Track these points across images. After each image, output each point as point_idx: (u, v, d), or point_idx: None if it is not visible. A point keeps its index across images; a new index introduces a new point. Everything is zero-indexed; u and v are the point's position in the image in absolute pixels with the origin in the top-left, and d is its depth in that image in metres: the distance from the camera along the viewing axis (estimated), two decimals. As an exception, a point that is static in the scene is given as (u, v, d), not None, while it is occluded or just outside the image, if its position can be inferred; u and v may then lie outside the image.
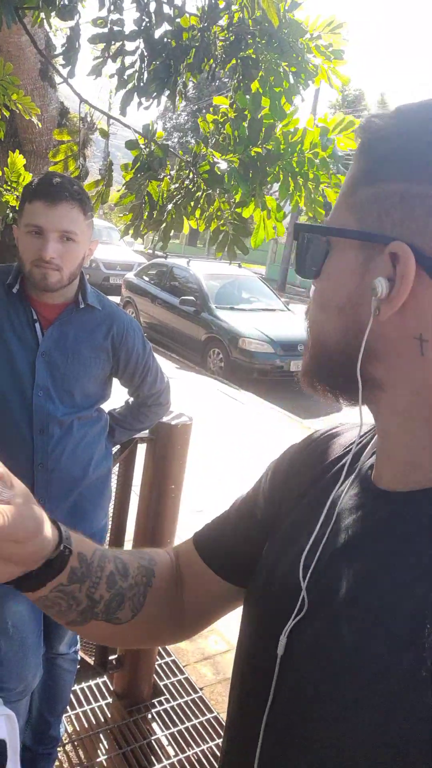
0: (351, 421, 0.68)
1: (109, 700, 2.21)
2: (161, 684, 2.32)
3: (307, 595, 0.50)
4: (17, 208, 2.84)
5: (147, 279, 9.60)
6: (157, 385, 1.65)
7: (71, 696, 2.16)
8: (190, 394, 6.47)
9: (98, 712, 2.15)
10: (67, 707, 2.12)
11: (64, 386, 1.45)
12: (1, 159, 3.71)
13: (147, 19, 2.16)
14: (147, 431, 1.98)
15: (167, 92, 2.31)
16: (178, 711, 2.21)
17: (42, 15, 2.23)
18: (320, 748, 0.44)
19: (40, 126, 3.26)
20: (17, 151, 2.89)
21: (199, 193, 2.36)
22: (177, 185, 2.42)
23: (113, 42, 2.18)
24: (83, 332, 1.48)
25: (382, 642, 0.42)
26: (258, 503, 0.70)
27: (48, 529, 0.58)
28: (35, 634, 1.53)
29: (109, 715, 2.15)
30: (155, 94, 2.16)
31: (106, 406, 1.67)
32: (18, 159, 2.82)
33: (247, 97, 2.37)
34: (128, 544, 2.11)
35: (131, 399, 1.71)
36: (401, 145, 0.46)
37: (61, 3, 2.01)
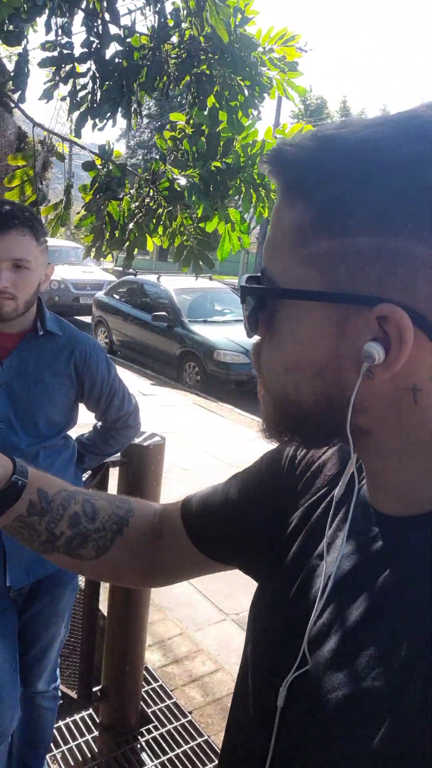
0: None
1: (96, 733, 2.15)
2: (149, 711, 2.26)
3: (308, 645, 0.49)
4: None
5: (117, 297, 9.55)
6: (124, 407, 1.61)
7: (56, 733, 2.10)
8: (168, 409, 6.43)
9: (84, 747, 2.09)
10: (52, 745, 2.05)
11: (27, 416, 1.41)
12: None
13: (96, 41, 2.15)
14: (118, 454, 1.94)
15: (122, 111, 2.30)
16: (168, 738, 2.15)
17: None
18: None
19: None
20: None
21: (161, 210, 2.35)
22: (137, 203, 2.41)
23: (63, 65, 2.17)
24: (44, 359, 1.44)
25: (390, 674, 0.41)
26: (258, 494, 0.69)
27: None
28: (10, 673, 1.48)
29: (96, 750, 2.08)
30: (108, 114, 2.15)
31: (74, 432, 1.63)
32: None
33: (204, 112, 2.37)
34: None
35: (99, 423, 1.68)
36: (365, 191, 0.41)
37: (8, 28, 1.99)
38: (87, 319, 10.62)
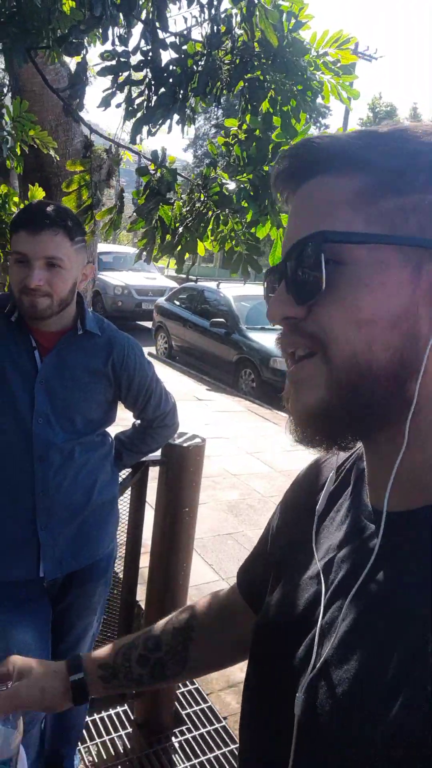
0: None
1: (129, 729, 2.17)
2: (183, 713, 2.26)
3: (317, 646, 0.48)
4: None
5: (178, 303, 9.69)
6: (161, 407, 1.63)
7: (90, 726, 2.14)
8: (222, 414, 6.45)
9: (118, 742, 2.11)
10: (86, 737, 2.09)
11: (64, 413, 1.45)
12: (23, 193, 3.83)
13: (152, 49, 2.20)
14: (159, 454, 1.96)
15: (177, 117, 2.34)
16: (201, 741, 2.15)
17: (53, 54, 2.31)
18: None
19: (58, 159, 3.36)
20: (36, 184, 2.98)
21: (210, 214, 2.37)
22: (188, 208, 2.44)
23: (120, 73, 2.23)
24: (82, 358, 1.47)
25: (389, 673, 0.41)
26: (268, 537, 0.73)
27: (57, 678, 0.76)
28: None
29: (129, 746, 2.10)
30: (161, 120, 2.19)
31: (113, 430, 1.66)
32: (38, 192, 2.91)
33: (258, 118, 2.38)
34: (143, 571, 2.08)
35: (137, 422, 1.70)
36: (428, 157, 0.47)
37: (69, 40, 2.07)
38: (148, 324, 10.83)
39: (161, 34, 1.99)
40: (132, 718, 2.21)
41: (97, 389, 1.49)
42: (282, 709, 0.49)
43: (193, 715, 2.27)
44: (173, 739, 2.15)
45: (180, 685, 2.33)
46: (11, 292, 1.41)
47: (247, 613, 0.74)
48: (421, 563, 0.44)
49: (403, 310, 0.45)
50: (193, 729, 2.20)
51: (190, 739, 2.16)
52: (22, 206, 3.04)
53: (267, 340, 7.79)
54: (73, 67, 2.40)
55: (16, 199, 3.00)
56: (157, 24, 1.91)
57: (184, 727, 2.20)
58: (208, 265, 28.66)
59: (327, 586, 0.51)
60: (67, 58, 3.17)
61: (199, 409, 6.54)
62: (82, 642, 1.64)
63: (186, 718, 2.24)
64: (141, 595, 2.16)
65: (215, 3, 2.03)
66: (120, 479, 1.77)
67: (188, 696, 2.36)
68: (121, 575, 2.10)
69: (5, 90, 4.63)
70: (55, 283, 1.35)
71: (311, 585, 0.54)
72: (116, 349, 1.51)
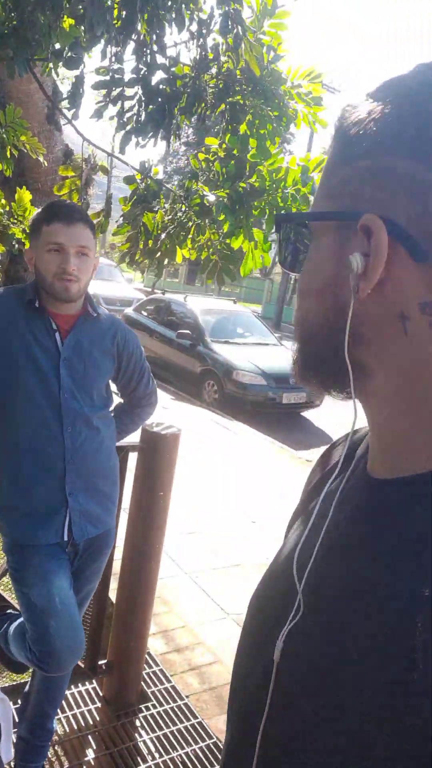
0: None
1: (98, 704, 2.27)
2: (148, 691, 2.38)
3: (302, 597, 0.48)
4: (23, 240, 3.02)
5: (145, 314, 9.84)
6: (150, 386, 1.83)
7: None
8: (185, 424, 6.60)
9: (87, 715, 2.22)
10: (58, 710, 2.18)
11: (84, 388, 1.63)
12: (9, 195, 3.95)
13: (144, 68, 2.39)
14: (138, 440, 2.12)
15: (162, 132, 2.54)
16: (164, 716, 2.27)
17: (51, 65, 2.47)
18: (316, 758, 0.41)
19: (46, 165, 3.51)
20: (24, 187, 3.11)
21: (191, 224, 2.56)
22: (170, 217, 2.62)
23: (114, 88, 2.41)
24: (94, 339, 1.66)
25: (371, 646, 0.39)
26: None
27: None
28: (77, 611, 1.64)
29: (98, 719, 2.21)
30: (151, 134, 2.38)
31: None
32: (25, 195, 3.04)
33: (237, 138, 2.59)
34: (119, 546, 2.21)
35: (124, 402, 1.88)
36: (369, 122, 0.45)
37: (68, 54, 2.24)
38: (113, 334, 10.94)
39: (159, 58, 2.18)
40: (101, 694, 2.32)
41: (106, 367, 1.69)
42: (266, 657, 0.49)
43: (157, 693, 2.39)
44: (138, 714, 2.27)
45: (145, 666, 2.45)
46: (38, 281, 1.57)
47: None
48: (405, 534, 0.42)
49: (326, 281, 0.47)
50: (157, 705, 2.32)
51: (155, 714, 2.28)
52: (7, 208, 3.17)
53: (231, 352, 8.01)
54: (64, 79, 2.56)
55: (3, 201, 3.13)
56: (155, 47, 2.09)
57: (149, 704, 2.32)
58: (173, 280, 28.95)
59: (316, 556, 0.50)
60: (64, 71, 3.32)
61: (164, 417, 6.68)
62: (82, 606, 1.80)
63: (151, 696, 2.36)
64: (114, 580, 2.28)
65: (204, 32, 2.24)
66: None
67: (153, 677, 2.48)
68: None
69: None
70: (83, 269, 1.56)
71: (297, 540, 0.54)
72: (120, 330, 1.71)
